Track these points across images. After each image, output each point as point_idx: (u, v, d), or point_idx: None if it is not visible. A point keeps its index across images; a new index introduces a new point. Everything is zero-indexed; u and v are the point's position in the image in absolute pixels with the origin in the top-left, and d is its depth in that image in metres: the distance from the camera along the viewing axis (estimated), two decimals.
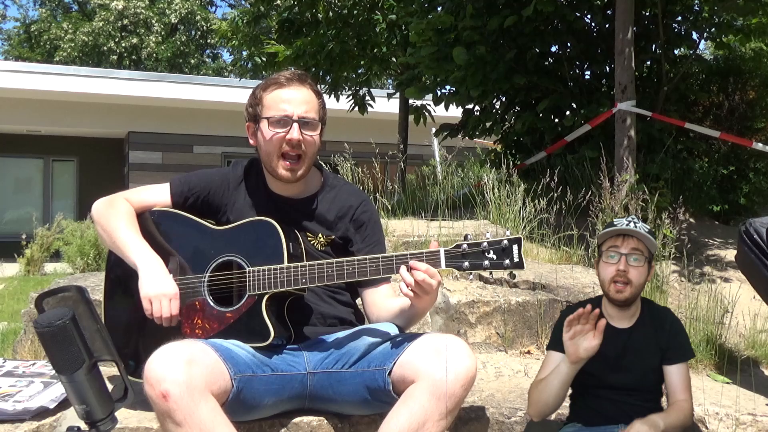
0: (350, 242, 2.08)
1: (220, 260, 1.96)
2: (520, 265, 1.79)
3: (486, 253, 1.80)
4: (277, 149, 1.97)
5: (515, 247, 1.79)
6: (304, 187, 2.09)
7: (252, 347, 1.87)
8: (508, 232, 1.84)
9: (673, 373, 2.06)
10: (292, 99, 1.98)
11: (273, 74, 2.06)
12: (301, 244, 1.98)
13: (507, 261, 1.79)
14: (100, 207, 2.08)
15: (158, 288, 1.90)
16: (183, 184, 2.10)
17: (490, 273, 1.85)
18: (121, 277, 2.05)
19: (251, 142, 2.07)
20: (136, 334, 2.00)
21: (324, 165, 2.19)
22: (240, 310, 1.91)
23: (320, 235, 2.06)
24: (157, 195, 2.11)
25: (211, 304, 1.93)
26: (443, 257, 1.80)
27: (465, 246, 1.81)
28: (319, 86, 8.92)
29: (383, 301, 2.05)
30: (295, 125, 1.96)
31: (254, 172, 2.11)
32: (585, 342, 1.97)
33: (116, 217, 2.02)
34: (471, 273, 1.83)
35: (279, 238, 1.90)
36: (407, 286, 1.79)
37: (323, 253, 2.05)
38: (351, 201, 2.11)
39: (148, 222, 2.06)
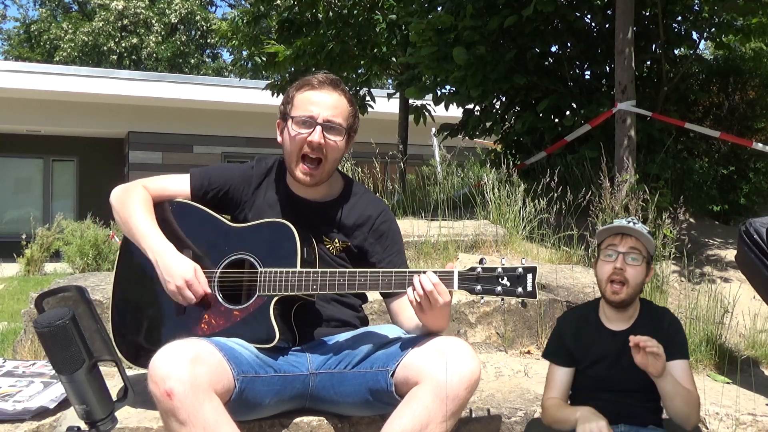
0: (367, 253, 2.07)
1: (233, 257, 1.95)
2: (532, 295, 1.78)
3: (500, 279, 1.78)
4: (298, 150, 1.97)
5: (529, 276, 1.77)
6: (325, 192, 2.09)
7: (256, 347, 1.87)
8: (523, 261, 1.83)
9: (676, 368, 2.04)
10: (321, 102, 1.97)
11: (309, 75, 2.05)
12: (315, 251, 1.98)
13: (520, 289, 1.77)
14: (118, 193, 2.07)
15: (178, 273, 1.87)
16: (203, 177, 2.09)
17: (502, 299, 1.84)
18: (132, 267, 2.05)
19: (278, 139, 2.06)
20: (144, 323, 2.01)
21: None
22: (248, 310, 1.91)
23: (336, 241, 2.05)
24: (177, 185, 2.09)
25: (220, 300, 1.93)
26: (456, 279, 1.79)
27: (479, 269, 1.80)
28: None
29: (408, 310, 2.01)
30: (318, 128, 1.95)
31: (277, 171, 2.11)
32: None
33: (132, 204, 2.01)
34: (483, 297, 1.82)
35: (294, 242, 1.90)
36: (413, 291, 1.78)
37: (337, 259, 2.05)
38: (370, 210, 2.10)
39: (166, 212, 2.06)
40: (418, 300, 1.77)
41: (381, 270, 1.86)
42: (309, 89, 1.99)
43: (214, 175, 2.10)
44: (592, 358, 2.09)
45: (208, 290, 1.91)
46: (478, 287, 1.79)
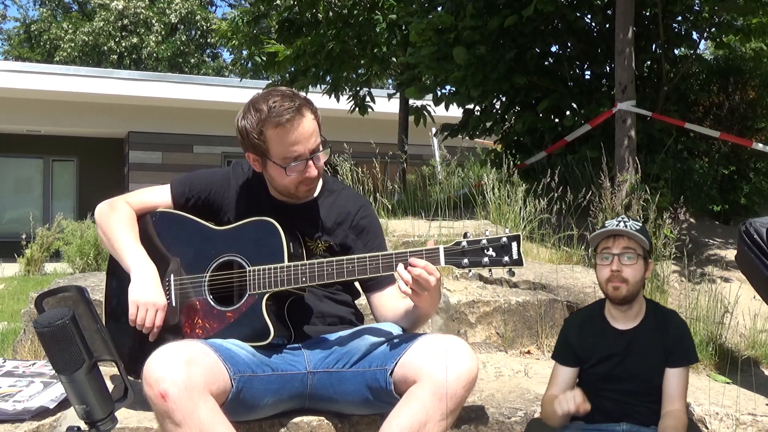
0: (350, 249, 2.08)
1: (220, 260, 1.96)
2: (519, 263, 1.79)
3: (485, 251, 1.80)
4: (296, 184, 1.97)
5: (514, 245, 1.79)
6: None
7: (252, 346, 1.87)
8: (507, 231, 1.84)
9: (672, 376, 2.04)
10: (300, 138, 1.90)
11: (262, 103, 1.89)
12: (301, 244, 1.99)
13: (506, 258, 1.79)
14: (101, 210, 2.09)
15: (148, 296, 1.91)
16: (184, 184, 2.11)
17: (490, 271, 1.85)
18: (122, 278, 2.05)
19: (256, 168, 2.02)
20: (136, 334, 2.00)
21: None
22: (240, 310, 1.91)
23: (319, 241, 2.06)
24: (158, 196, 2.11)
25: (212, 303, 1.94)
26: (442, 255, 1.81)
27: (464, 243, 1.81)
28: (319, 86, 8.71)
29: (390, 303, 2.05)
30: (311, 162, 1.94)
31: (255, 176, 2.11)
32: None
33: (115, 221, 2.03)
34: (470, 271, 1.83)
35: (279, 238, 1.91)
36: (405, 284, 1.79)
37: (322, 258, 2.05)
38: (349, 207, 2.11)
39: (150, 223, 2.07)
40: (412, 288, 1.78)
41: (368, 255, 1.87)
42: (281, 129, 1.87)
43: (195, 181, 2.11)
44: (597, 356, 2.09)
45: (159, 324, 1.92)
46: (465, 261, 1.80)
